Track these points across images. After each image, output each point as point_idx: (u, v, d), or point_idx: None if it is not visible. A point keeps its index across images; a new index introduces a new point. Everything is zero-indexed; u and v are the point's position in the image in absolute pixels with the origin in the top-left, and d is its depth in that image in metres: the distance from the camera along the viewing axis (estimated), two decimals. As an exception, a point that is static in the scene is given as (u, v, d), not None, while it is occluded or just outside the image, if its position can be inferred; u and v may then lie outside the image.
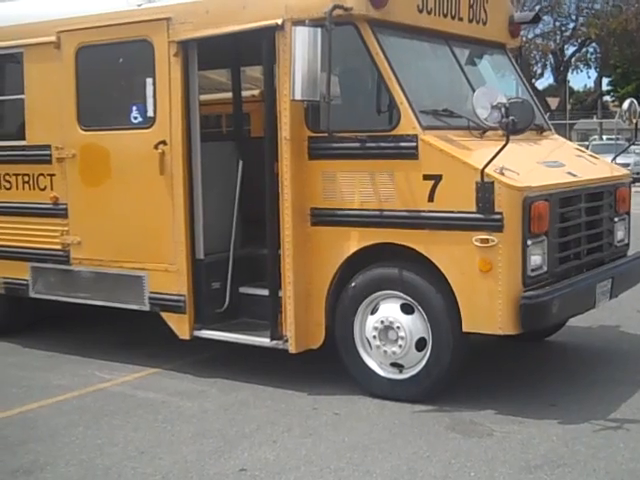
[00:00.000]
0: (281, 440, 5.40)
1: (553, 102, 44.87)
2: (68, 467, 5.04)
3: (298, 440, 5.39)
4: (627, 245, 7.16)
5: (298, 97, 5.77)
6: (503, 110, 5.43)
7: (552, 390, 6.25)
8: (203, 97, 8.36)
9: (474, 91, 6.19)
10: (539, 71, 43.28)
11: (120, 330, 7.38)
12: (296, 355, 6.34)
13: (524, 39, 38.63)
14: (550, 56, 42.83)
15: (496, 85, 7.14)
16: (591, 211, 6.49)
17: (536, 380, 6.54)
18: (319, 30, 5.73)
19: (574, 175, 6.34)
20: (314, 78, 5.73)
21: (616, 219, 6.89)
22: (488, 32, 7.16)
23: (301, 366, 6.66)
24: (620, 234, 6.98)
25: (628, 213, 7.10)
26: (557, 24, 41.88)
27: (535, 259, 5.70)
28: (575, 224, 6.27)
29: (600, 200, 6.60)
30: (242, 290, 6.94)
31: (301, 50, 5.70)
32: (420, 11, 6.35)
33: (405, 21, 6.26)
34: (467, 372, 6.22)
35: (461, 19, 6.79)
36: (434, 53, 6.77)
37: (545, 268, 5.82)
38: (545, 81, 51.62)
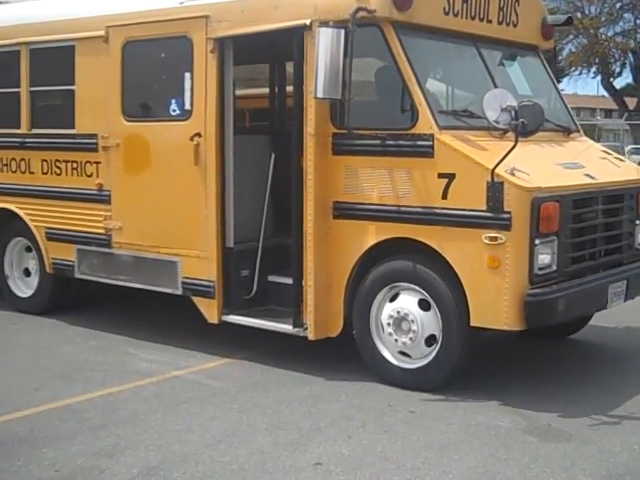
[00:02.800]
0: (356, 436, 5.39)
1: (631, 102, 44.04)
2: (147, 452, 5.12)
3: (373, 436, 5.38)
4: (650, 248, 7.24)
5: (320, 95, 6.05)
6: (513, 112, 5.62)
7: (628, 397, 6.16)
8: (252, 91, 8.75)
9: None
10: (617, 70, 42.59)
11: (195, 318, 7.31)
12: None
13: (603, 37, 38.21)
14: (630, 55, 42.02)
15: (524, 87, 7.32)
16: (608, 213, 6.60)
17: (609, 385, 6.48)
18: (342, 31, 6.00)
19: (592, 177, 6.47)
20: (336, 77, 6.00)
21: (638, 222, 6.97)
22: (519, 34, 7.30)
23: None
24: (642, 237, 7.07)
25: (653, 216, 7.17)
26: (638, 22, 41.08)
27: (543, 258, 5.86)
28: (590, 225, 6.39)
29: (619, 202, 6.70)
30: (271, 278, 7.24)
31: (324, 50, 5.98)
32: (446, 13, 6.53)
33: (430, 23, 6.46)
34: (541, 374, 6.28)
35: (490, 21, 6.94)
36: (460, 55, 6.96)
37: (554, 267, 5.97)
38: (623, 80, 50.50)
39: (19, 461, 4.95)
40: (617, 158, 7.42)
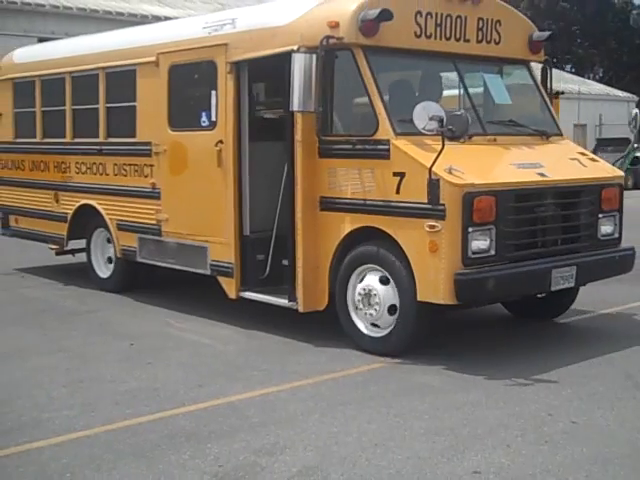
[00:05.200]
0: (515, 445, 5.29)
1: None
2: (306, 452, 5.23)
3: (533, 447, 5.27)
4: (617, 239, 8.01)
5: (295, 108, 7.34)
6: (439, 122, 6.68)
7: None
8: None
9: (472, 103, 7.54)
10: None
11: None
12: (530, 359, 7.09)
13: None
14: None
15: (503, 96, 8.28)
16: (562, 207, 7.49)
17: None
18: (314, 55, 7.26)
19: (544, 175, 7.38)
20: (309, 93, 7.27)
21: (601, 215, 7.78)
22: (503, 50, 8.26)
23: (535, 369, 6.88)
24: (607, 229, 7.86)
25: (618, 210, 7.95)
26: None
27: (478, 244, 6.84)
28: (538, 217, 7.31)
29: (575, 198, 7.57)
30: (284, 262, 8.54)
31: (298, 71, 7.26)
32: (418, 36, 7.59)
33: (401, 45, 7.54)
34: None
35: (468, 40, 7.94)
36: (435, 71, 8.02)
37: (493, 252, 6.95)
38: None
39: (185, 454, 5.20)
40: (591, 159, 8.20)
